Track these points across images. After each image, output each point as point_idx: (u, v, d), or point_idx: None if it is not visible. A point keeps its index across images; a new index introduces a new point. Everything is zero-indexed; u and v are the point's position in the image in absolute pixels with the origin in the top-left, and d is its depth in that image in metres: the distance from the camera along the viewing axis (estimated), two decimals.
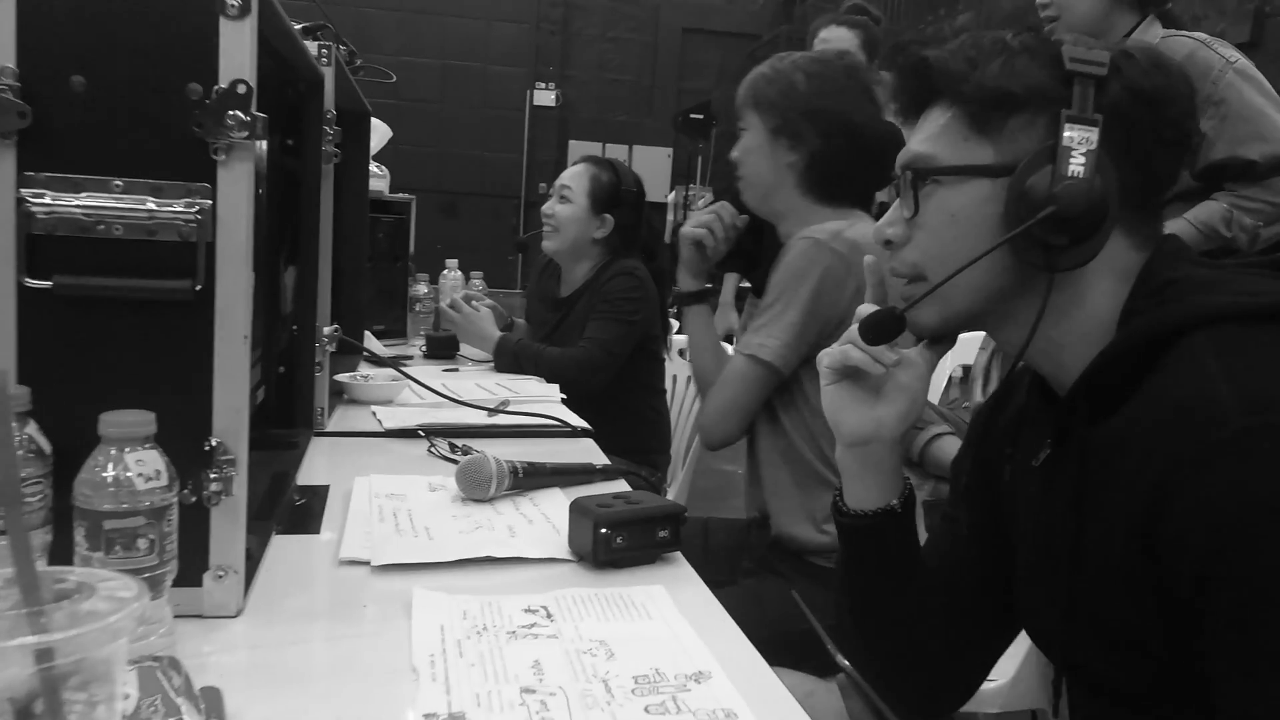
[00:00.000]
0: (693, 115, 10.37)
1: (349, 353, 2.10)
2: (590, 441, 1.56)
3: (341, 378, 1.75)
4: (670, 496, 2.28)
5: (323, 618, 0.89)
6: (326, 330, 1.49)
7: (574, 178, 2.28)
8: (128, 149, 0.77)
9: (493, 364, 2.20)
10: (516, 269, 11.56)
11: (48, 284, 0.76)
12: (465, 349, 2.34)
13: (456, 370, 2.18)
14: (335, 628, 0.86)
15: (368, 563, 0.97)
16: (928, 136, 0.88)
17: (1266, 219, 1.74)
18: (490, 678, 0.73)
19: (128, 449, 0.68)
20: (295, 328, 1.45)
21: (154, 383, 0.79)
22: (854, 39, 2.62)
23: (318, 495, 1.19)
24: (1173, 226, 1.76)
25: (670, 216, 9.60)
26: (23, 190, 0.75)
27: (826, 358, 0.95)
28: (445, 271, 2.68)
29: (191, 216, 0.78)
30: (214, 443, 0.80)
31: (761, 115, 1.52)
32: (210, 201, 0.78)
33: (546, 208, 2.28)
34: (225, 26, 0.77)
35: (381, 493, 1.19)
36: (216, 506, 0.81)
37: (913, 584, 0.99)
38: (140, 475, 0.68)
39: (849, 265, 1.43)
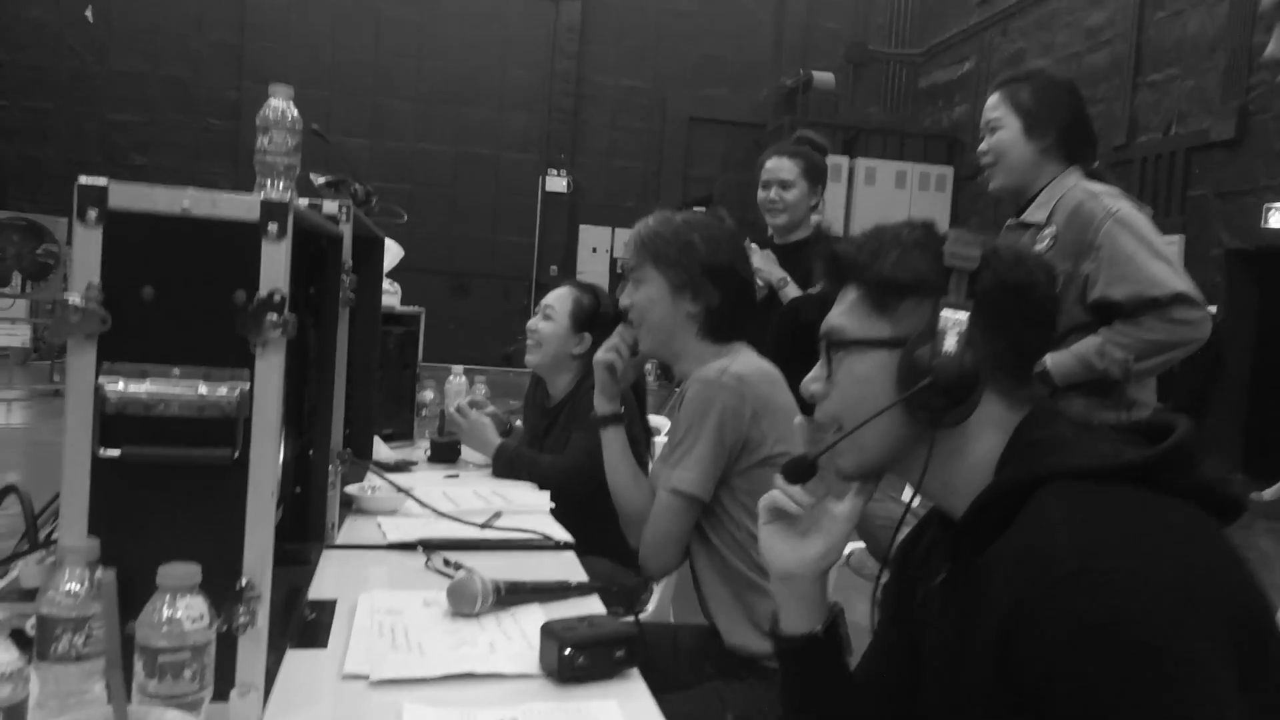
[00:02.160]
0: (695, 208, 10.74)
1: (361, 459, 2.29)
2: (571, 554, 1.73)
3: (351, 489, 1.92)
4: (656, 597, 2.43)
5: None
6: (339, 452, 1.67)
7: (558, 299, 2.49)
8: (184, 344, 0.96)
9: (491, 469, 2.38)
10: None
11: (117, 453, 0.95)
12: (467, 452, 2.51)
13: (457, 476, 2.35)
14: None
15: (367, 676, 1.13)
16: (840, 312, 1.08)
17: (1136, 353, 1.92)
18: None
19: (179, 596, 0.86)
20: (311, 451, 1.62)
21: (198, 533, 0.96)
22: (795, 168, 2.85)
23: (326, 610, 1.36)
24: (1056, 357, 1.96)
25: None
26: (100, 378, 0.94)
27: (763, 499, 1.13)
28: (451, 377, 2.87)
29: (233, 397, 0.97)
30: (244, 582, 0.98)
31: (662, 270, 1.74)
32: (248, 384, 0.97)
33: (531, 324, 2.49)
34: (266, 247, 0.97)
35: (382, 608, 1.36)
36: (243, 634, 0.98)
37: (843, 697, 1.15)
38: (188, 618, 0.85)
39: (742, 395, 1.66)
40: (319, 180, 1.94)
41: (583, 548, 2.35)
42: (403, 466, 2.37)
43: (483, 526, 1.78)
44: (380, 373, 2.56)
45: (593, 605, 1.43)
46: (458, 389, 2.84)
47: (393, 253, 2.68)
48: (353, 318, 2.36)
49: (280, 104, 1.42)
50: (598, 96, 15.02)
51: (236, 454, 0.97)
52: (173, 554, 0.95)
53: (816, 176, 2.89)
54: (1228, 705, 0.81)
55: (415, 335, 2.74)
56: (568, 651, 1.14)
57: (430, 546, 1.66)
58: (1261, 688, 0.85)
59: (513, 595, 1.39)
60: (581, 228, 14.88)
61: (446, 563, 1.56)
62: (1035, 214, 2.10)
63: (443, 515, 1.80)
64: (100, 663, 0.85)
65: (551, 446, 2.46)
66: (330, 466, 1.64)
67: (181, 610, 0.85)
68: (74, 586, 0.90)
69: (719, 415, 1.65)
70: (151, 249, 0.96)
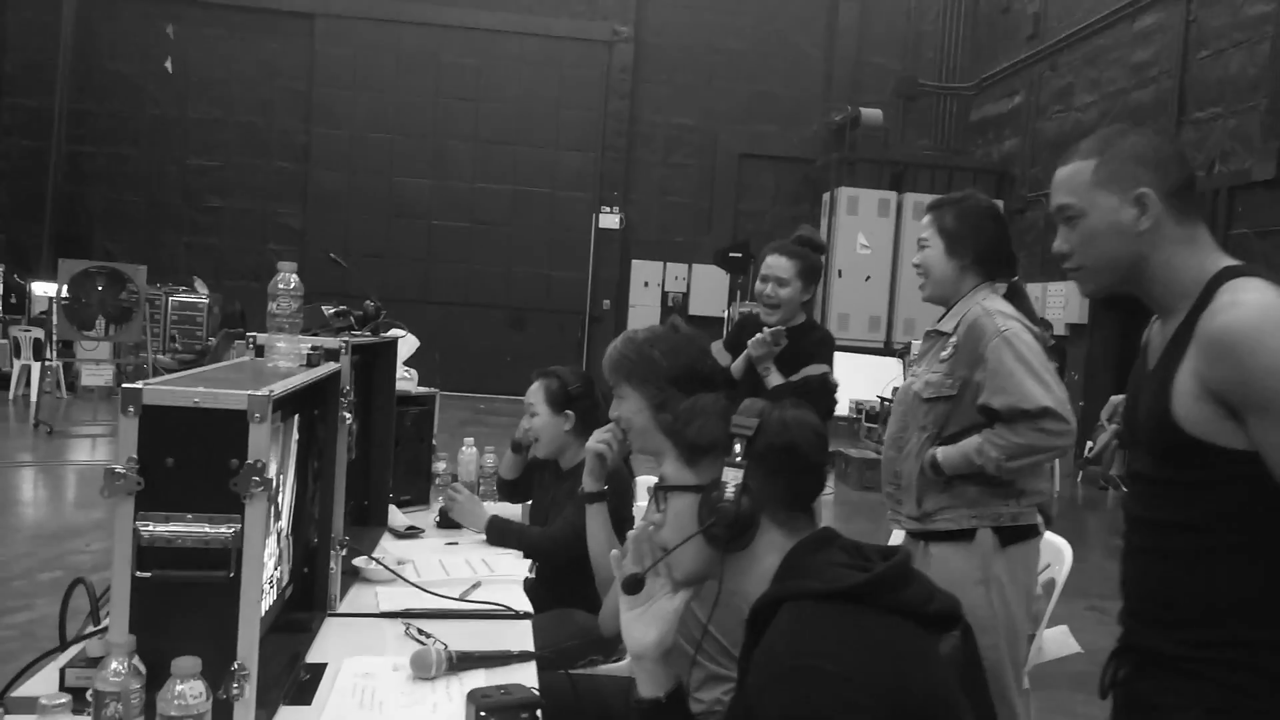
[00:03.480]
0: (732, 254, 11.10)
1: (375, 524, 2.70)
2: (527, 624, 2.09)
3: (357, 562, 2.32)
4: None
5: None
6: (339, 539, 2.07)
7: (533, 394, 2.88)
8: (194, 497, 1.36)
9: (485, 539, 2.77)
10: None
11: (148, 575, 1.35)
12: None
13: (456, 544, 2.74)
14: None
15: None
16: (668, 463, 1.46)
17: (1008, 454, 2.24)
18: None
19: (186, 680, 1.25)
20: (316, 540, 2.03)
21: (203, 632, 1.36)
22: (792, 267, 3.17)
23: (317, 672, 1.75)
24: (945, 451, 2.29)
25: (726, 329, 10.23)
26: (136, 522, 1.35)
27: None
28: (462, 449, 3.27)
29: (229, 535, 1.36)
30: (237, 664, 1.37)
31: (635, 388, 2.09)
32: (240, 525, 1.37)
33: (523, 424, 2.89)
34: (252, 428, 1.37)
35: (360, 671, 1.75)
36: (237, 701, 1.38)
37: None
38: (191, 694, 1.24)
39: None
40: (329, 310, 2.34)
41: (568, 602, 2.73)
42: (412, 533, 2.77)
43: (458, 599, 2.16)
44: (398, 446, 2.98)
45: (528, 671, 1.80)
46: (468, 460, 3.24)
47: (409, 344, 3.10)
48: (371, 405, 2.79)
49: (287, 277, 1.84)
50: (650, 135, 15.44)
51: (231, 575, 1.36)
52: (187, 645, 1.35)
53: (811, 276, 3.21)
54: None
55: (430, 413, 3.15)
56: (482, 714, 1.51)
57: (411, 615, 2.04)
58: None
59: (464, 662, 1.77)
60: (634, 263, 15.30)
61: (420, 631, 1.95)
62: (946, 324, 2.43)
63: (423, 590, 2.18)
64: None
65: (560, 506, 2.82)
66: (332, 552, 2.04)
67: (187, 689, 1.24)
68: (119, 668, 1.30)
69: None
70: (172, 430, 1.37)
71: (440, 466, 3.21)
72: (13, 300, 12.08)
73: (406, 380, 3.09)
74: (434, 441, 3.23)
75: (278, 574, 1.86)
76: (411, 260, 14.51)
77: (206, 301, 12.80)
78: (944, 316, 2.48)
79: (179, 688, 1.25)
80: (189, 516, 1.37)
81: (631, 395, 2.12)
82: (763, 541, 1.39)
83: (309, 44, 14.22)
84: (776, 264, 3.18)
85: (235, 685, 1.37)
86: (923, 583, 1.36)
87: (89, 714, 1.31)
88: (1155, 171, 1.47)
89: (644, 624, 1.49)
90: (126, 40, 13.85)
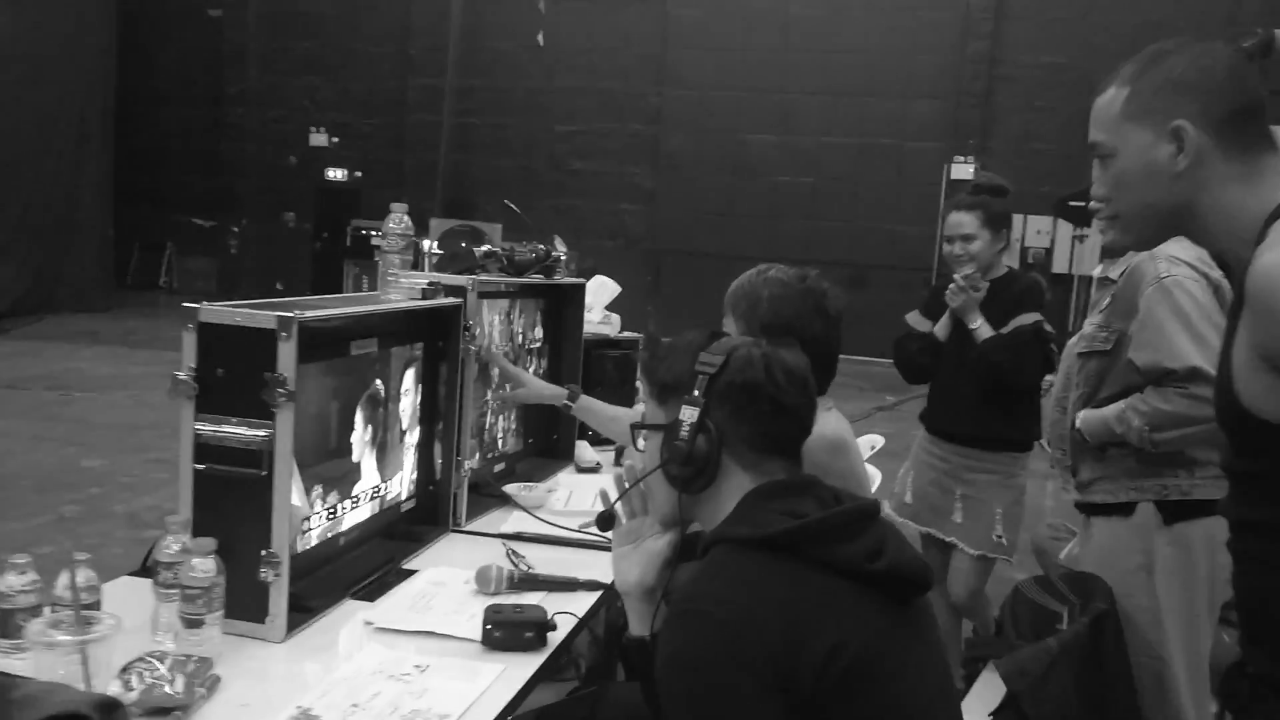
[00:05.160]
0: (1072, 202, 10.03)
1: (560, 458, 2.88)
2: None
3: (509, 488, 2.49)
4: None
5: (323, 648, 1.61)
6: (466, 464, 2.24)
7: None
8: (237, 404, 1.57)
9: None
10: None
11: (202, 467, 1.59)
12: None
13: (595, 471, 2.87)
14: (321, 656, 1.58)
15: (372, 623, 1.68)
16: (645, 401, 1.44)
17: (1153, 423, 1.86)
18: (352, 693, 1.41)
19: (203, 557, 1.46)
20: (440, 461, 2.22)
21: (243, 521, 1.58)
22: (975, 220, 2.89)
23: (403, 576, 1.93)
24: (1086, 415, 1.97)
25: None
26: (196, 423, 1.58)
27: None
28: None
29: (262, 438, 1.56)
30: (270, 551, 1.57)
31: (735, 321, 2.03)
32: (272, 431, 1.56)
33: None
34: (280, 345, 1.55)
35: (434, 580, 1.91)
36: (272, 584, 1.58)
37: None
38: (203, 569, 1.46)
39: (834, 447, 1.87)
40: (479, 251, 2.51)
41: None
42: (590, 470, 2.92)
43: (577, 530, 2.25)
44: (599, 388, 3.12)
45: (587, 599, 1.86)
46: None
47: (610, 289, 3.23)
48: (559, 346, 2.96)
49: (398, 217, 2.02)
50: (1013, 77, 14.36)
51: (264, 473, 1.56)
52: (234, 532, 1.57)
53: (998, 223, 2.95)
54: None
55: (630, 357, 3.26)
56: (489, 625, 1.61)
57: (520, 538, 2.18)
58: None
59: (524, 582, 1.87)
60: None
61: (513, 553, 2.07)
62: (1114, 270, 2.11)
63: (534, 516, 2.30)
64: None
65: None
66: (454, 473, 2.22)
67: (200, 565, 1.46)
68: (205, 565, 1.54)
69: None
70: (222, 345, 1.58)
71: (639, 408, 3.31)
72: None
73: (606, 325, 3.22)
74: (637, 384, 3.34)
75: (385, 486, 2.07)
76: (754, 218, 14.71)
77: (564, 258, 13.85)
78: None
79: (194, 561, 1.46)
80: (233, 420, 1.58)
81: (731, 327, 2.07)
82: (728, 484, 1.34)
83: (662, 9, 14.78)
84: (957, 220, 2.94)
85: (264, 570, 1.57)
86: (877, 539, 1.25)
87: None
88: (1198, 99, 1.21)
89: (629, 562, 1.50)
90: (506, 19, 15.23)
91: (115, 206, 14.32)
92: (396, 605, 1.77)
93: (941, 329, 3.03)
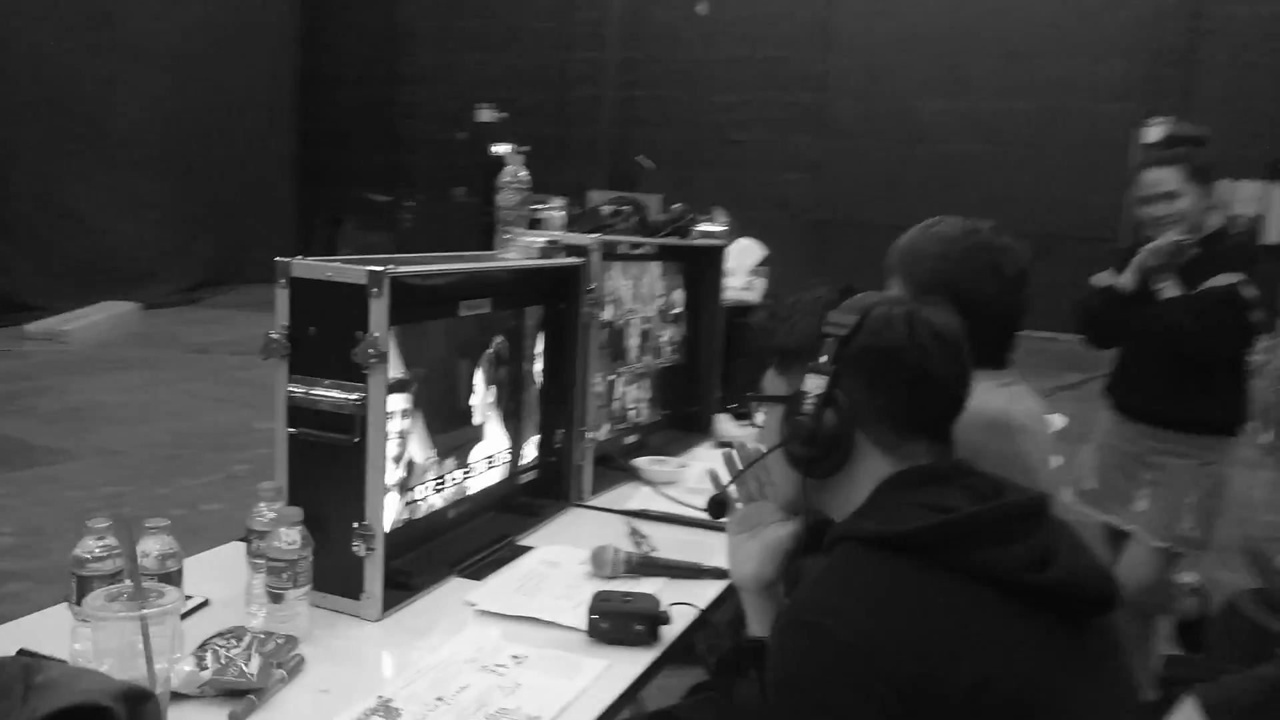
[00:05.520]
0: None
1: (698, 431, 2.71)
2: None
3: (639, 461, 2.33)
4: None
5: (420, 630, 1.49)
6: (590, 435, 2.09)
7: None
8: (330, 365, 1.46)
9: None
10: None
11: (293, 431, 1.49)
12: None
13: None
14: (416, 638, 1.46)
15: (475, 605, 1.55)
16: (768, 372, 1.24)
17: None
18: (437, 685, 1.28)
19: (290, 527, 1.36)
20: (562, 430, 2.07)
21: (336, 491, 1.47)
22: (1177, 175, 2.51)
23: (517, 554, 1.80)
24: None
25: None
26: (290, 385, 1.49)
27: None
28: None
29: (355, 402, 1.44)
30: (364, 524, 1.46)
31: (901, 280, 1.77)
32: (364, 394, 1.44)
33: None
34: (371, 303, 1.42)
35: (547, 559, 1.76)
36: (366, 559, 1.47)
37: None
38: (288, 540, 1.35)
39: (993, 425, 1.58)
40: (606, 209, 2.34)
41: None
42: (728, 445, 2.72)
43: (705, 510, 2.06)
44: (741, 358, 2.93)
45: (712, 588, 1.67)
46: None
47: (754, 252, 3.01)
48: (697, 313, 2.79)
49: (513, 169, 1.88)
50: (1221, 30, 13.14)
51: (356, 440, 1.45)
52: (325, 502, 1.47)
53: (1204, 176, 2.57)
54: None
55: None
56: (595, 617, 1.45)
57: (645, 515, 2.01)
58: None
59: (643, 567, 1.70)
60: None
61: (636, 532, 1.91)
62: None
63: (670, 498, 2.11)
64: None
65: None
66: (576, 445, 2.07)
67: (285, 535, 1.35)
68: (291, 536, 1.44)
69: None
70: (314, 301, 1.47)
71: None
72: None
73: (749, 291, 3.01)
74: None
75: (503, 456, 1.94)
76: (925, 186, 14.03)
77: (724, 230, 13.62)
78: None
79: (281, 531, 1.36)
80: (325, 382, 1.47)
81: (898, 287, 1.82)
82: (863, 468, 1.12)
83: None
84: (1157, 178, 2.57)
85: (356, 543, 1.46)
86: (1044, 543, 1.00)
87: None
88: None
89: (745, 552, 1.30)
90: None
91: (299, 183, 15.03)
92: (503, 586, 1.64)
93: (1126, 281, 2.64)
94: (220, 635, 1.27)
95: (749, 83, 14.86)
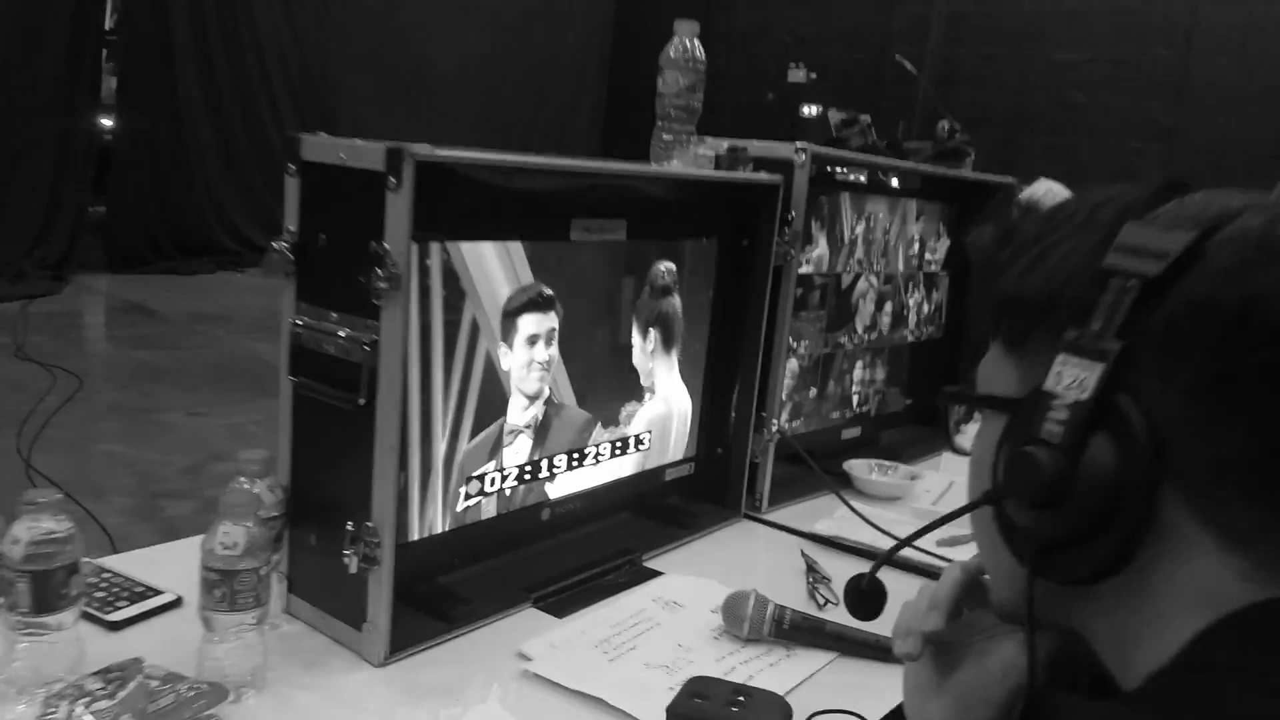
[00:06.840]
0: None
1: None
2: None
3: (852, 463, 1.73)
4: None
5: (431, 690, 1.01)
6: (775, 425, 1.52)
7: None
8: (340, 291, 1.01)
9: None
10: None
11: (295, 380, 1.05)
12: None
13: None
14: (436, 701, 0.99)
15: (530, 660, 1.06)
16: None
17: None
18: None
19: (235, 524, 0.93)
20: (734, 414, 1.52)
21: (340, 473, 1.02)
22: None
23: (636, 578, 1.28)
24: None
25: None
26: (295, 316, 1.05)
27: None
28: None
29: (365, 344, 0.98)
30: (366, 525, 1.00)
31: None
32: (375, 337, 0.98)
33: None
34: (390, 198, 0.95)
35: (670, 596, 1.23)
36: (369, 576, 1.01)
37: None
38: (221, 545, 0.92)
39: None
40: (836, 118, 1.73)
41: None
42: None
43: (934, 551, 1.44)
44: None
45: (883, 673, 1.08)
46: None
47: (1056, 195, 2.25)
48: (964, 275, 2.13)
49: (683, 42, 1.34)
50: None
51: (361, 401, 0.99)
52: (327, 488, 1.04)
53: None
54: None
55: None
56: (677, 715, 0.90)
57: (832, 543, 1.42)
58: None
59: (799, 631, 1.13)
60: None
61: (812, 569, 1.33)
62: None
63: (874, 526, 1.49)
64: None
65: None
66: (755, 435, 1.51)
67: (223, 534, 0.92)
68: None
69: None
70: (327, 197, 1.02)
71: None
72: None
73: None
74: None
75: (640, 441, 1.42)
76: None
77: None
78: None
79: (222, 529, 0.93)
80: (333, 316, 1.02)
81: None
82: (1172, 573, 0.51)
83: None
84: None
85: (348, 553, 1.00)
86: None
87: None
88: None
89: (930, 687, 0.71)
90: None
91: (604, 146, 15.18)
92: (583, 635, 1.13)
93: None
94: (102, 674, 0.86)
95: (1096, 38, 13.14)
